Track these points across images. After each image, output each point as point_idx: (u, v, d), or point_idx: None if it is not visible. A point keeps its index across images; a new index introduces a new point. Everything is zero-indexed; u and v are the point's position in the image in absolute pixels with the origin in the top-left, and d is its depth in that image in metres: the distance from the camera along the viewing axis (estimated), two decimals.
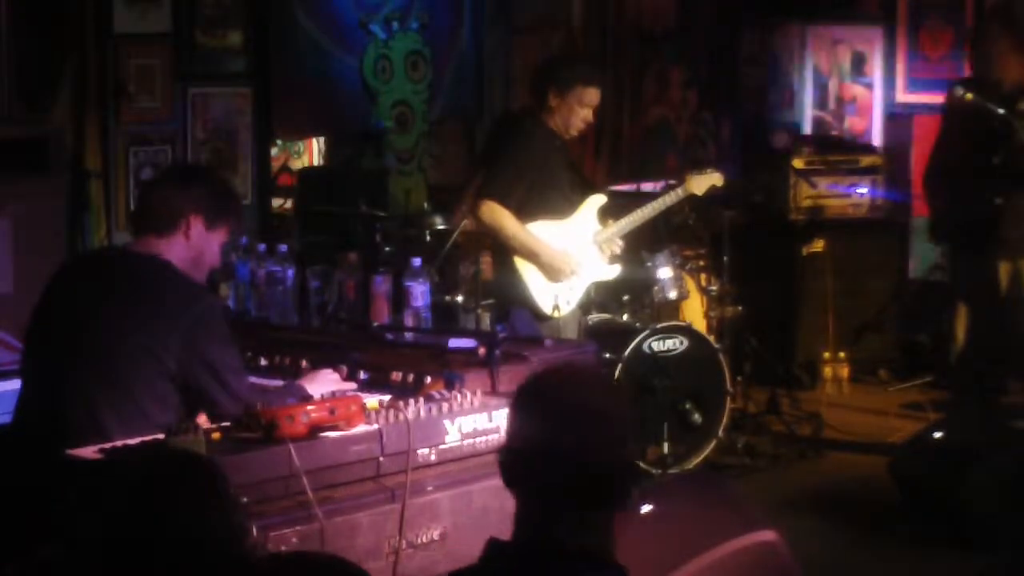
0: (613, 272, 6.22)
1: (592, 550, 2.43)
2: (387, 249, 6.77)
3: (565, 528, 2.41)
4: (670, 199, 6.41)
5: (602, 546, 2.44)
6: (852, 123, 9.06)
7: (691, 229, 7.33)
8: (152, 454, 3.12)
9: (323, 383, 3.97)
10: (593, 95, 5.99)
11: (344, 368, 4.07)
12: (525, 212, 5.88)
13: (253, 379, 3.93)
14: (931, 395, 7.74)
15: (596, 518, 2.44)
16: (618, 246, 6.18)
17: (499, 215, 5.82)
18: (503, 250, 5.96)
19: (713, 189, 6.54)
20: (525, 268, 5.91)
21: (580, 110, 5.97)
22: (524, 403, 2.50)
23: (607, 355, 6.17)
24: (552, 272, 5.93)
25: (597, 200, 6.20)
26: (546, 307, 5.91)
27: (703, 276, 7.18)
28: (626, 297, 6.78)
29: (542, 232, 5.93)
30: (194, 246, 3.82)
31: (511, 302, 5.89)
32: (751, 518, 3.36)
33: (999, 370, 7.33)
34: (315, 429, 3.27)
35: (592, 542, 2.43)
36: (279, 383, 4.01)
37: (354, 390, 3.96)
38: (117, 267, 3.84)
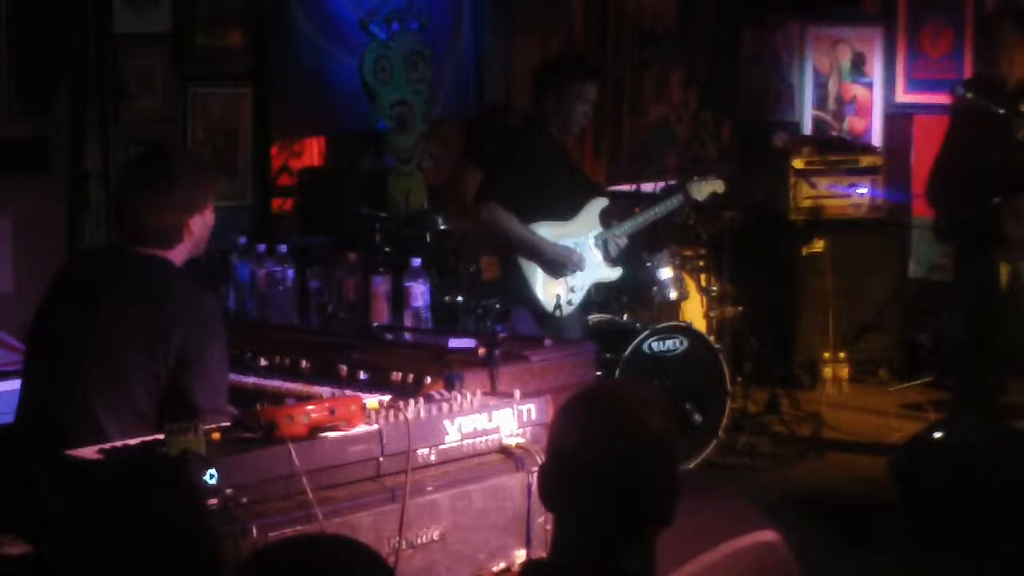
0: (614, 274, 6.22)
1: (638, 570, 2.36)
2: (387, 249, 6.77)
3: (611, 548, 2.34)
4: (671, 205, 6.42)
5: (648, 566, 2.38)
6: (852, 123, 9.06)
7: (691, 229, 7.34)
8: (151, 455, 3.13)
9: None
10: (591, 90, 6.02)
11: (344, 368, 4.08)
12: (526, 214, 5.89)
13: (253, 379, 3.93)
14: (931, 395, 7.74)
15: (642, 537, 2.37)
16: (621, 246, 6.18)
17: (501, 216, 5.83)
18: (506, 250, 5.97)
19: (714, 196, 6.55)
20: (528, 267, 5.92)
21: (579, 107, 6.00)
22: (572, 418, 2.42)
23: (607, 355, 6.17)
24: (555, 268, 5.95)
25: (599, 203, 6.21)
26: (548, 306, 5.92)
27: (703, 276, 7.19)
28: (626, 297, 6.79)
29: (544, 233, 5.94)
30: (194, 238, 3.83)
31: (514, 302, 5.90)
32: (751, 518, 3.36)
33: (999, 370, 7.33)
34: (315, 429, 3.27)
35: (636, 563, 2.35)
36: (280, 384, 4.01)
37: None
38: (118, 267, 3.84)
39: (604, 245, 6.14)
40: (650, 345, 6.38)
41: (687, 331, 6.52)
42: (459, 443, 3.49)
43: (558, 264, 5.94)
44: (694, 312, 7.06)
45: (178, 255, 3.81)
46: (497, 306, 5.37)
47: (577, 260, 5.99)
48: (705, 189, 6.49)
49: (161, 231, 3.78)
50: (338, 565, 1.97)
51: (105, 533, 2.22)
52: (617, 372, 6.20)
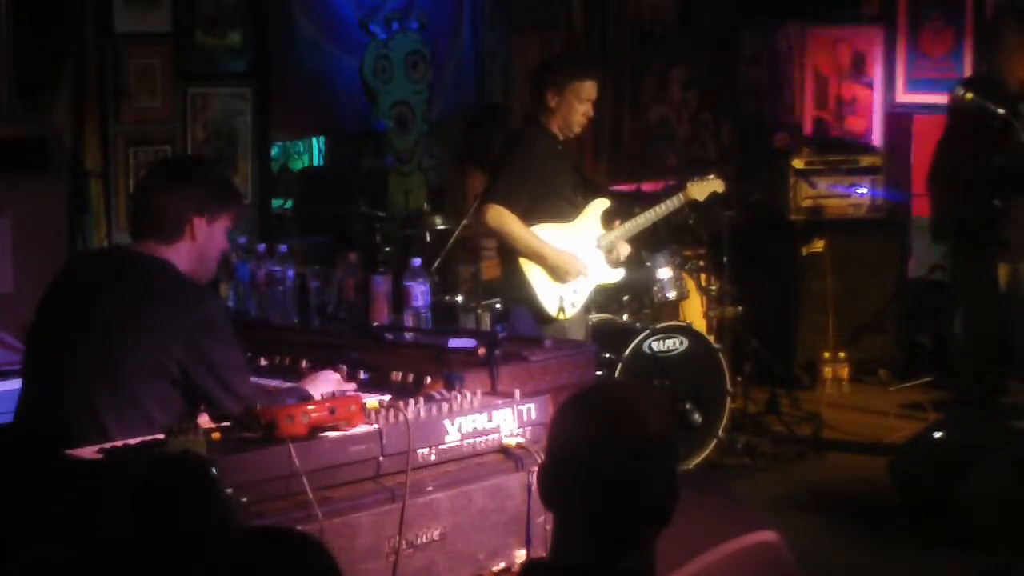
0: (617, 276, 6.20)
1: (638, 570, 2.35)
2: (387, 249, 6.77)
3: (611, 548, 2.33)
4: (671, 204, 6.40)
5: (648, 566, 2.37)
6: (852, 123, 9.06)
7: (691, 229, 7.33)
8: (151, 455, 3.13)
9: (324, 384, 3.97)
10: (590, 89, 6.00)
11: (344, 368, 4.08)
12: (529, 216, 5.88)
13: (255, 379, 3.92)
14: (931, 395, 7.74)
15: (642, 537, 2.36)
16: (624, 250, 6.17)
17: (505, 219, 5.81)
18: (509, 253, 5.96)
19: (714, 195, 6.54)
20: (531, 270, 5.90)
21: (579, 106, 5.98)
22: (572, 418, 2.41)
23: (607, 355, 6.17)
24: (559, 274, 5.92)
25: (600, 204, 6.19)
26: (551, 309, 5.90)
27: (703, 276, 7.18)
28: (626, 297, 6.78)
29: (546, 236, 5.92)
30: (199, 244, 3.82)
31: (515, 303, 5.89)
32: (751, 518, 3.36)
33: (999, 370, 7.34)
34: (315, 429, 3.27)
35: (636, 563, 2.34)
36: (280, 383, 4.02)
37: (354, 390, 3.96)
38: (120, 268, 3.83)
39: (606, 247, 6.12)
40: (650, 345, 6.38)
41: (687, 331, 6.51)
42: (459, 443, 3.50)
43: (562, 271, 5.92)
44: (694, 312, 7.06)
45: (179, 256, 3.80)
46: (498, 306, 5.37)
47: (581, 267, 5.96)
48: (705, 189, 6.48)
49: (160, 221, 3.78)
50: (282, 557, 1.96)
51: (137, 534, 2.23)
52: (617, 372, 6.20)
